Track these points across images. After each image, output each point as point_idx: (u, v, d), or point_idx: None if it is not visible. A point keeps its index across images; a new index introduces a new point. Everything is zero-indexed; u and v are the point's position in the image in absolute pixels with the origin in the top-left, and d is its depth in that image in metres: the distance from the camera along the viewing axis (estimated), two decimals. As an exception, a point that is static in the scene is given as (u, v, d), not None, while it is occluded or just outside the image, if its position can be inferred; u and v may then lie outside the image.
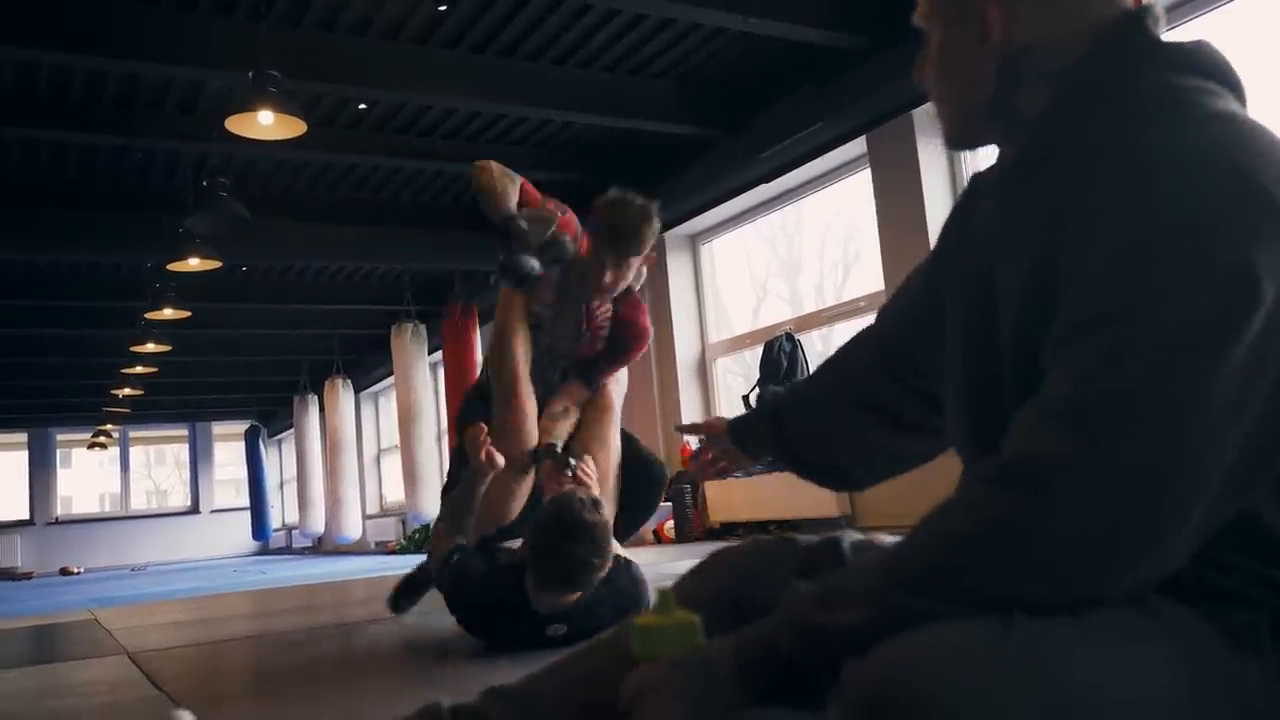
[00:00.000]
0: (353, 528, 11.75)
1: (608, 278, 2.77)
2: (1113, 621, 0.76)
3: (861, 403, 1.23)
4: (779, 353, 6.40)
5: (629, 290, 2.98)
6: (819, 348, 6.56)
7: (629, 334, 2.99)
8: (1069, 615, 0.75)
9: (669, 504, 6.66)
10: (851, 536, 1.10)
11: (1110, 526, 0.74)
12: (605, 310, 2.97)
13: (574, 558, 2.24)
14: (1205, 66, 0.89)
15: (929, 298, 1.12)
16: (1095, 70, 0.91)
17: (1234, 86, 0.90)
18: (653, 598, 2.42)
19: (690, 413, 7.20)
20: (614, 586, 2.38)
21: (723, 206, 6.87)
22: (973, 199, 1.08)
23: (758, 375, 6.52)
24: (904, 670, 0.73)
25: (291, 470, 15.12)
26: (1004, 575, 0.76)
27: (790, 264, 7.41)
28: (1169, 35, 0.94)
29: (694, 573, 1.17)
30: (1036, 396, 0.80)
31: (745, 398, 6.51)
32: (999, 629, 0.74)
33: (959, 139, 1.04)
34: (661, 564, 4.22)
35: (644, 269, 2.90)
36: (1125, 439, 0.74)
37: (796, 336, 6.44)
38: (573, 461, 2.73)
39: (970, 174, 1.20)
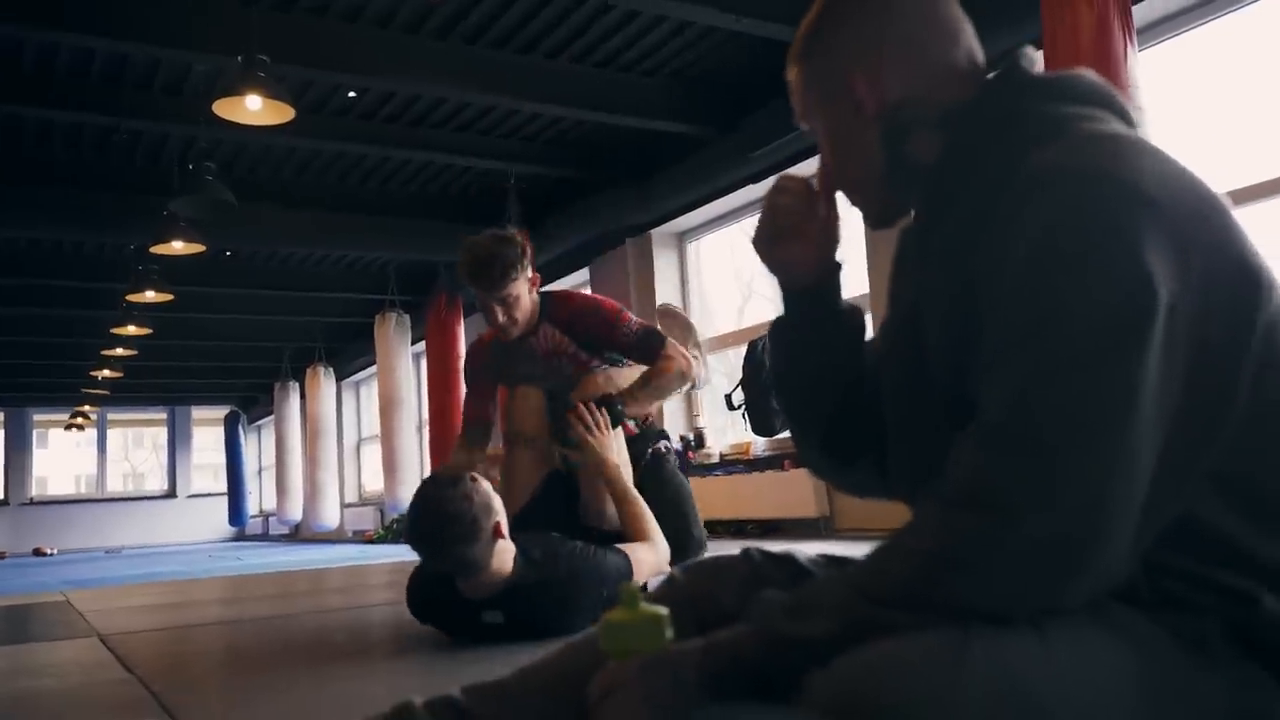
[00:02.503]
0: (331, 516, 11.71)
1: (499, 318, 2.83)
2: (1071, 630, 0.78)
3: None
4: (762, 352, 6.40)
5: (547, 302, 2.95)
6: (802, 349, 6.57)
7: (586, 320, 2.94)
8: (1028, 625, 0.77)
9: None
10: (807, 554, 1.12)
11: (1066, 537, 0.77)
12: (549, 335, 2.96)
13: (442, 545, 2.27)
14: (1085, 95, 0.95)
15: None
16: (982, 109, 0.97)
17: (1117, 110, 0.95)
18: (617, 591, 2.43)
19: (672, 409, 7.21)
20: (547, 575, 2.38)
21: (710, 205, 6.88)
22: (901, 249, 1.13)
23: (741, 375, 6.53)
24: (866, 680, 0.74)
25: (270, 457, 15.05)
26: (968, 588, 0.78)
27: (776, 265, 7.43)
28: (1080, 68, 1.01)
29: (662, 584, 1.18)
30: (975, 423, 0.83)
31: (728, 397, 6.52)
32: (960, 639, 0.75)
33: (881, 216, 1.09)
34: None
35: (530, 291, 2.88)
36: (1066, 452, 0.77)
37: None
38: (620, 408, 2.79)
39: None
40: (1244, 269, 0.83)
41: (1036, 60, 1.00)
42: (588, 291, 8.22)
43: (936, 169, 0.98)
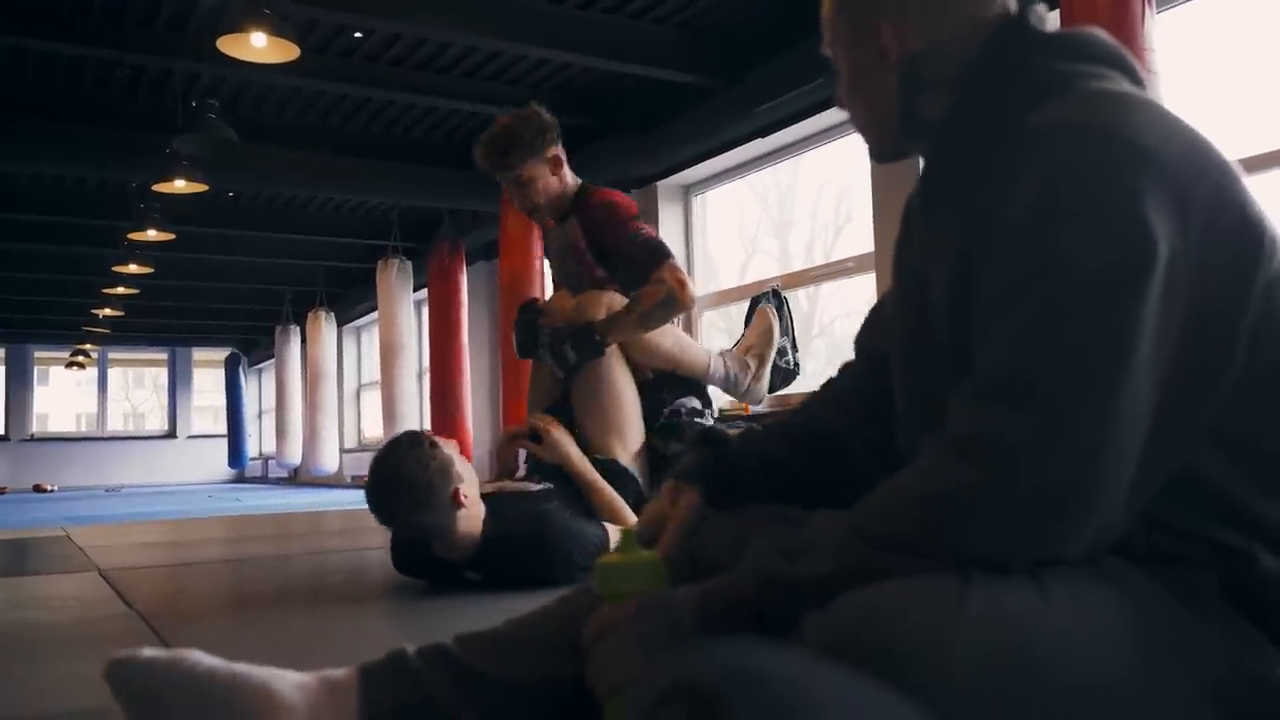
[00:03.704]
0: (330, 460, 11.77)
1: (513, 198, 2.79)
2: (1069, 582, 0.78)
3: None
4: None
5: (582, 194, 2.82)
6: (805, 307, 6.56)
7: (600, 214, 2.77)
8: (1027, 575, 0.77)
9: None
10: (802, 510, 1.12)
11: (1064, 485, 0.77)
12: (572, 229, 2.83)
13: (396, 510, 2.26)
14: (1093, 53, 0.95)
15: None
16: (988, 67, 0.96)
17: (1126, 69, 0.95)
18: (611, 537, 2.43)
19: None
20: (516, 531, 2.36)
21: (717, 159, 6.82)
22: (907, 214, 1.13)
23: (743, 330, 6.52)
24: (863, 621, 0.74)
25: (270, 400, 15.08)
26: (967, 535, 0.78)
27: (782, 221, 7.40)
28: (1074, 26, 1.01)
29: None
30: (976, 371, 0.83)
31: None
32: (959, 585, 0.75)
33: (881, 152, 1.11)
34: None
35: (554, 176, 2.76)
36: (1064, 401, 0.77)
37: (783, 294, 6.43)
38: (598, 338, 2.63)
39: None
40: (1245, 227, 0.84)
41: (1046, 18, 1.00)
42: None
43: (943, 124, 0.98)
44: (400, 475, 2.24)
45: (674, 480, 1.20)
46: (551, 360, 2.71)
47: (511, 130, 2.69)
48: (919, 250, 1.03)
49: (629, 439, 2.73)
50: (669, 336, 2.79)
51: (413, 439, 2.34)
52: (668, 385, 2.83)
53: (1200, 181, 0.82)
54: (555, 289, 2.98)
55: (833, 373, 1.29)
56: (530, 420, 2.73)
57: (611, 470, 2.65)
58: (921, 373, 1.02)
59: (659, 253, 2.70)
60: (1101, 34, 0.97)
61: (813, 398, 1.26)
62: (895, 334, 1.09)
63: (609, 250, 2.78)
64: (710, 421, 2.90)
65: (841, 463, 1.18)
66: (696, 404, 2.88)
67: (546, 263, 3.04)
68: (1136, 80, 0.95)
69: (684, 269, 2.72)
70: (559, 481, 2.62)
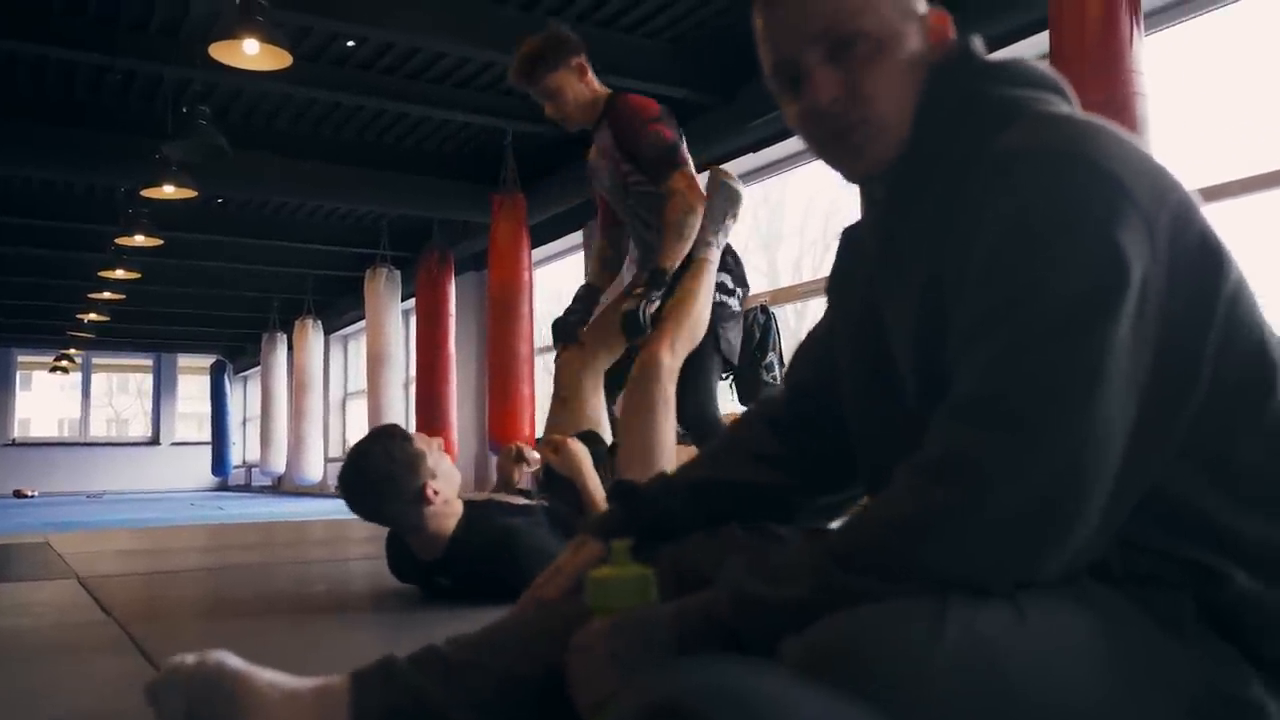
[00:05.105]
0: (314, 469, 11.71)
1: (548, 109, 2.99)
2: (1046, 604, 0.78)
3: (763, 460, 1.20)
4: (753, 324, 6.39)
5: (612, 102, 2.99)
6: (793, 324, 6.58)
7: (625, 116, 2.95)
8: (1004, 599, 0.77)
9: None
10: (785, 527, 1.13)
11: (1040, 507, 0.77)
12: (604, 136, 2.99)
13: (359, 497, 2.32)
14: (1033, 79, 0.96)
15: (828, 353, 1.14)
16: (942, 96, 0.95)
17: (1064, 95, 0.97)
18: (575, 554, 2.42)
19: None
20: (479, 540, 2.36)
21: (706, 174, 6.83)
22: (849, 248, 1.12)
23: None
24: (841, 644, 0.74)
25: (255, 408, 15.02)
26: (943, 558, 0.78)
27: (770, 237, 7.42)
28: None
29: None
30: (951, 395, 0.83)
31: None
32: (936, 608, 0.75)
33: (863, 169, 0.99)
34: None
35: (580, 84, 2.96)
36: (1040, 423, 0.78)
37: (771, 310, 6.45)
38: (642, 320, 2.77)
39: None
40: (1205, 246, 0.85)
41: (981, 45, 1.00)
42: (581, 257, 8.22)
43: (903, 160, 0.96)
44: (367, 463, 2.30)
45: (581, 533, 1.20)
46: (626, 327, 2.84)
47: (536, 48, 2.92)
48: (867, 282, 1.03)
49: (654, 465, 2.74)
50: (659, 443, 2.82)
51: (385, 431, 2.40)
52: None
53: (1162, 205, 0.83)
54: (608, 226, 3.19)
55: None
56: (548, 435, 2.82)
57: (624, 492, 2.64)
58: (877, 404, 1.02)
59: (669, 159, 2.87)
60: (1028, 60, 0.98)
61: (726, 444, 1.23)
62: (846, 368, 1.09)
63: (629, 148, 2.95)
64: (737, 306, 3.09)
65: (751, 511, 1.15)
66: (732, 296, 3.07)
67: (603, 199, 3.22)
68: (1069, 100, 0.97)
69: (692, 169, 2.90)
70: (565, 500, 2.62)
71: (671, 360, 2.80)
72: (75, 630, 2.23)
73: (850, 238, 1.13)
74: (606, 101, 2.99)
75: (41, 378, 18.02)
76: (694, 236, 2.86)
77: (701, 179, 2.98)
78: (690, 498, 1.17)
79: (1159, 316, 0.81)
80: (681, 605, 0.89)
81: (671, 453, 2.80)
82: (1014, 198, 0.83)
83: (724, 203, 2.97)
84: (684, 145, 2.93)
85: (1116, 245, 0.79)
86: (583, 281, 3.28)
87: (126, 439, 19.06)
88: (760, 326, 6.47)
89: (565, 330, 3.11)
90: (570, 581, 1.14)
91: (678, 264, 2.85)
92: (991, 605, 0.76)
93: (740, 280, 3.12)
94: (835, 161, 0.99)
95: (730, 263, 3.09)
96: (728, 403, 3.50)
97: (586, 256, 8.21)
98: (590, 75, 2.99)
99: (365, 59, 6.09)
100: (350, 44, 5.87)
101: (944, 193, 0.91)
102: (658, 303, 2.83)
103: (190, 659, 1.10)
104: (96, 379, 18.45)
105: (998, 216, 0.83)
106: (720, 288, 3.02)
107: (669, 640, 0.86)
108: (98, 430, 18.70)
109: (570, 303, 3.17)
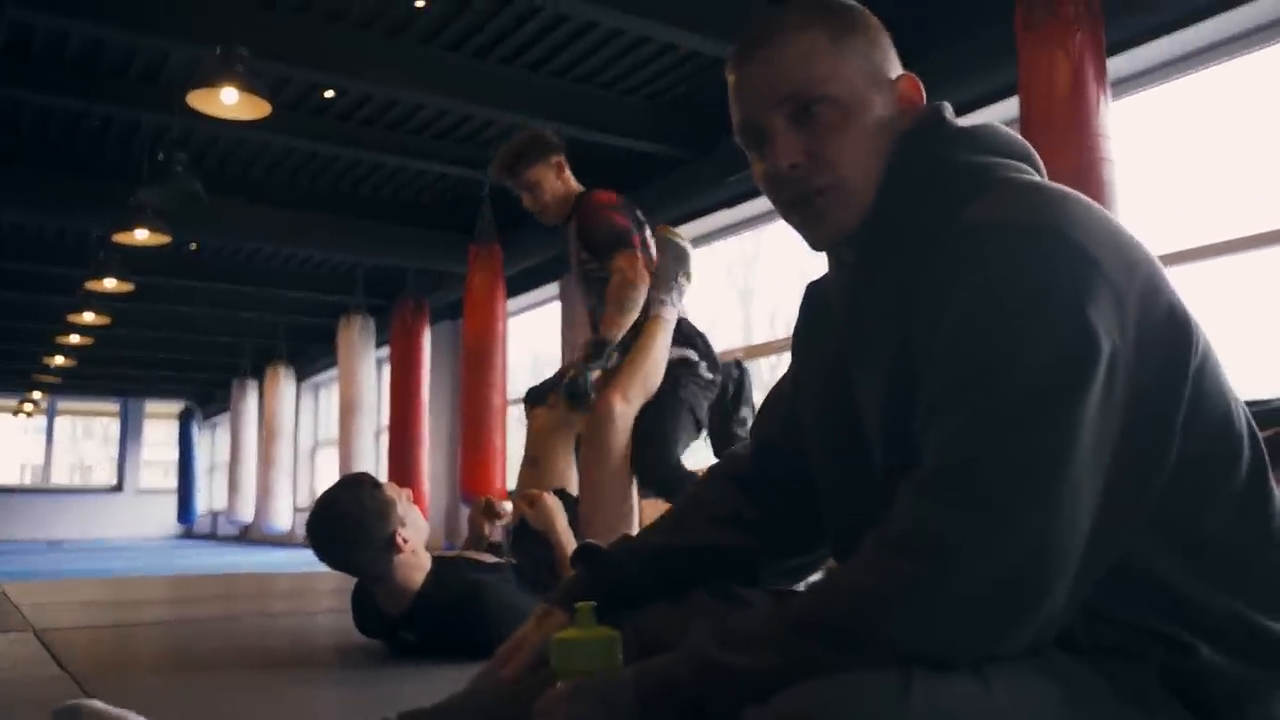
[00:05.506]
0: (282, 518, 11.54)
1: (525, 201, 3.15)
2: (1011, 676, 0.77)
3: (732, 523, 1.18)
4: (727, 379, 6.41)
5: (580, 198, 3.13)
6: (767, 377, 6.59)
7: (585, 207, 3.09)
8: (969, 671, 0.76)
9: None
10: (752, 591, 1.11)
11: (1007, 585, 0.76)
12: (572, 228, 3.12)
13: (326, 543, 2.30)
14: (1002, 147, 0.95)
15: (793, 410, 1.13)
16: (911, 162, 0.94)
17: (1030, 160, 0.96)
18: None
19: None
20: (444, 598, 2.34)
21: (683, 227, 6.89)
22: (813, 303, 1.11)
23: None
24: (809, 718, 0.73)
25: (223, 455, 14.82)
26: (908, 632, 0.77)
27: (745, 291, 7.46)
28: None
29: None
30: (919, 469, 0.82)
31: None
32: (902, 682, 0.74)
33: (829, 235, 0.98)
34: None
35: (557, 181, 3.12)
36: (1008, 500, 0.77)
37: (745, 364, 6.46)
38: (582, 381, 2.85)
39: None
40: (1173, 318, 0.85)
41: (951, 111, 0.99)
42: (557, 308, 8.23)
43: (871, 224, 0.95)
44: (336, 509, 2.27)
45: (543, 604, 1.16)
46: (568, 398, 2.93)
47: (520, 145, 3.11)
48: (835, 340, 1.03)
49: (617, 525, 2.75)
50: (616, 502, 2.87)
51: (355, 479, 2.38)
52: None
53: (1132, 276, 0.82)
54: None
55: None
56: (523, 490, 2.84)
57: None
58: (845, 462, 1.02)
59: (616, 241, 2.98)
60: (999, 127, 0.98)
61: (691, 504, 1.20)
62: (812, 424, 1.08)
63: (583, 236, 3.09)
64: (708, 375, 3.19)
65: (716, 574, 1.13)
66: (692, 354, 3.16)
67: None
68: (1038, 169, 0.96)
69: (640, 251, 2.99)
70: (537, 555, 2.59)
71: (624, 406, 2.87)
72: (29, 686, 2.17)
73: (814, 293, 1.13)
74: (577, 197, 3.15)
75: (4, 421, 17.70)
76: (637, 310, 2.95)
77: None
78: (653, 563, 1.14)
79: (1128, 389, 0.80)
80: (642, 669, 0.87)
81: (631, 498, 2.87)
82: (982, 270, 0.82)
83: (673, 262, 3.09)
84: (642, 233, 3.05)
85: (1085, 318, 0.78)
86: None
87: (90, 486, 18.73)
88: (735, 381, 6.51)
89: (536, 393, 3.21)
90: (533, 655, 1.10)
91: (620, 335, 2.93)
92: (957, 677, 0.76)
93: (709, 359, 3.22)
94: (798, 226, 0.99)
95: (701, 346, 3.22)
96: (705, 456, 3.51)
97: (563, 308, 8.22)
98: (567, 173, 3.17)
99: (344, 109, 6.13)
100: (330, 94, 5.90)
101: (912, 261, 0.91)
102: (598, 372, 2.93)
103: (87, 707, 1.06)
104: (60, 423, 18.16)
105: (966, 288, 0.82)
106: (685, 356, 3.12)
107: (630, 705, 0.85)
108: (60, 477, 18.36)
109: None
